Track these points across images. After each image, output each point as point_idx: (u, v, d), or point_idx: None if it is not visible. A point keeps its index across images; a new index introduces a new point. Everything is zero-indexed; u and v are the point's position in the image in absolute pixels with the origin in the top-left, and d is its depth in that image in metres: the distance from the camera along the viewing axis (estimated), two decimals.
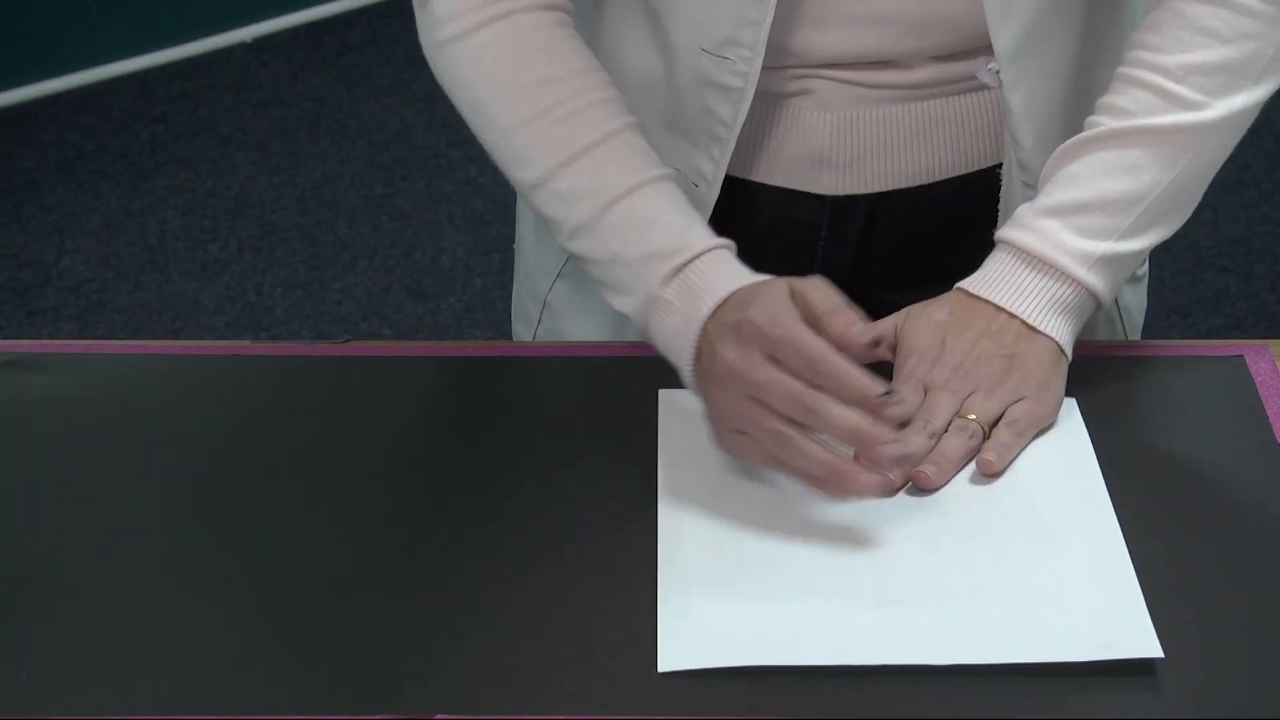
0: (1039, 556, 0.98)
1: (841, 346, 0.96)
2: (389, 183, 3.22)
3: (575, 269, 1.27)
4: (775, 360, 0.97)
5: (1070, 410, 1.11)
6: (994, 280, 1.11)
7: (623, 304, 1.08)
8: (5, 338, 2.70)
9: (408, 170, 3.26)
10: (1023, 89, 1.14)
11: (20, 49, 3.45)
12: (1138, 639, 0.92)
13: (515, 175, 1.12)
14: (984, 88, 1.18)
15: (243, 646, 0.93)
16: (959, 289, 1.12)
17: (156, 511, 1.03)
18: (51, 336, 2.79)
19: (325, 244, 3.05)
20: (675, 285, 1.04)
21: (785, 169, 1.20)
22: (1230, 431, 1.09)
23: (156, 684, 0.91)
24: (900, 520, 1.01)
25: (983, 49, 1.15)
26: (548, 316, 1.32)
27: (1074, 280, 1.09)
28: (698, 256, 1.05)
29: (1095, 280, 1.10)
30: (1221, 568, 0.98)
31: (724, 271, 1.04)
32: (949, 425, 1.06)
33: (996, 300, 1.10)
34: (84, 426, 1.11)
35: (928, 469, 1.03)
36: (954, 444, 1.05)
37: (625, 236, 1.07)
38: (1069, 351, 1.10)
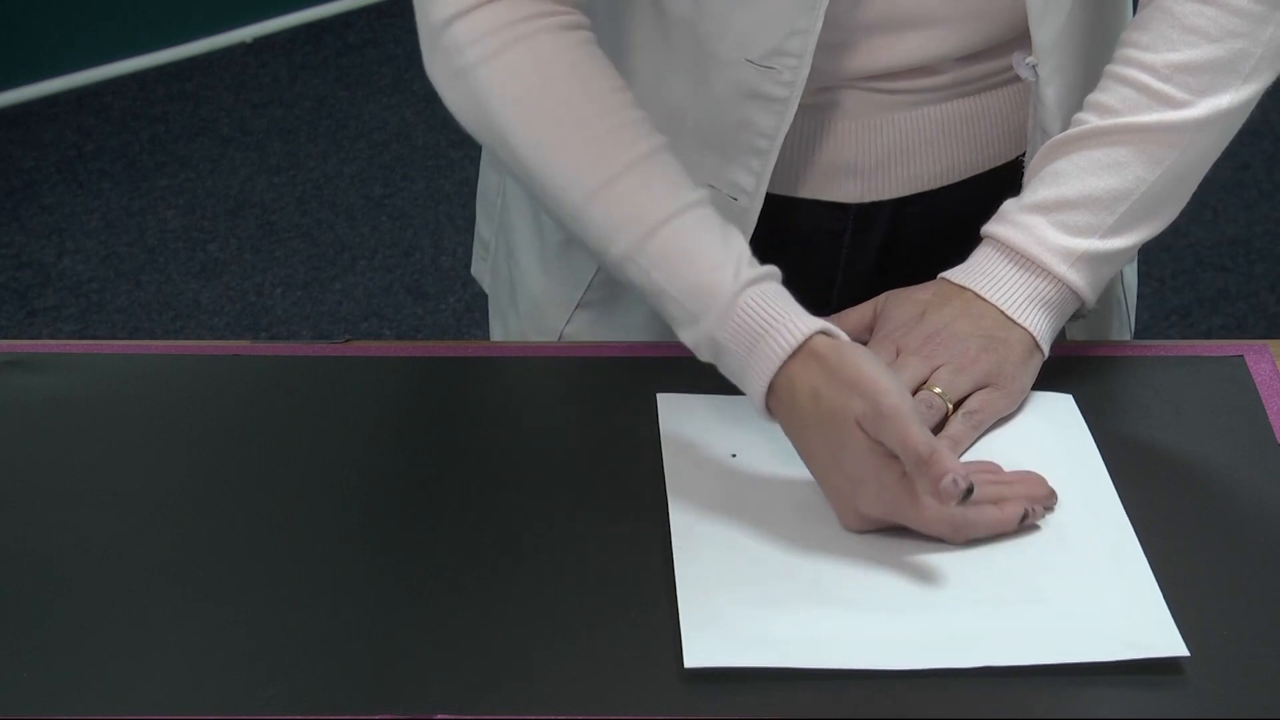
0: (1056, 557, 0.98)
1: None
2: (389, 183, 3.22)
3: (597, 296, 1.26)
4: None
5: (1070, 409, 1.11)
6: (976, 272, 1.12)
7: (683, 336, 1.05)
8: (5, 338, 2.70)
9: (408, 170, 3.26)
10: (1056, 81, 1.15)
11: (20, 49, 3.45)
12: (1162, 638, 0.92)
13: (547, 204, 1.09)
14: (1001, 85, 1.18)
15: (243, 646, 0.93)
16: (942, 278, 1.13)
17: (156, 511, 1.03)
18: (51, 336, 2.79)
19: (325, 244, 3.05)
20: (731, 327, 1.01)
21: (809, 180, 1.20)
22: (1230, 431, 1.09)
23: (156, 684, 0.91)
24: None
25: (1011, 45, 1.16)
26: None
27: (1055, 277, 1.10)
28: (744, 290, 1.02)
29: (1076, 277, 1.10)
30: (1222, 568, 0.98)
31: (775, 316, 1.01)
32: (914, 394, 1.07)
33: (977, 289, 1.11)
34: (84, 426, 1.11)
35: None
36: None
37: (668, 269, 1.03)
38: (1045, 348, 1.11)
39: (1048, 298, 1.10)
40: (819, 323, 1.00)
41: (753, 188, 1.16)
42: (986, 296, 1.10)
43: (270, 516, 1.03)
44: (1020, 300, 1.10)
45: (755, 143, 1.14)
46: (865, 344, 1.11)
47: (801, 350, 0.99)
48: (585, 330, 1.27)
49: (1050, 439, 1.08)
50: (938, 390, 1.08)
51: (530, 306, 1.31)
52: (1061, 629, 0.93)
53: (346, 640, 0.93)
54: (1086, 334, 1.25)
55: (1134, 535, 1.00)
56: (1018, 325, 1.10)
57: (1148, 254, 2.98)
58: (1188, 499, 1.04)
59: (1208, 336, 2.71)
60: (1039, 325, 1.10)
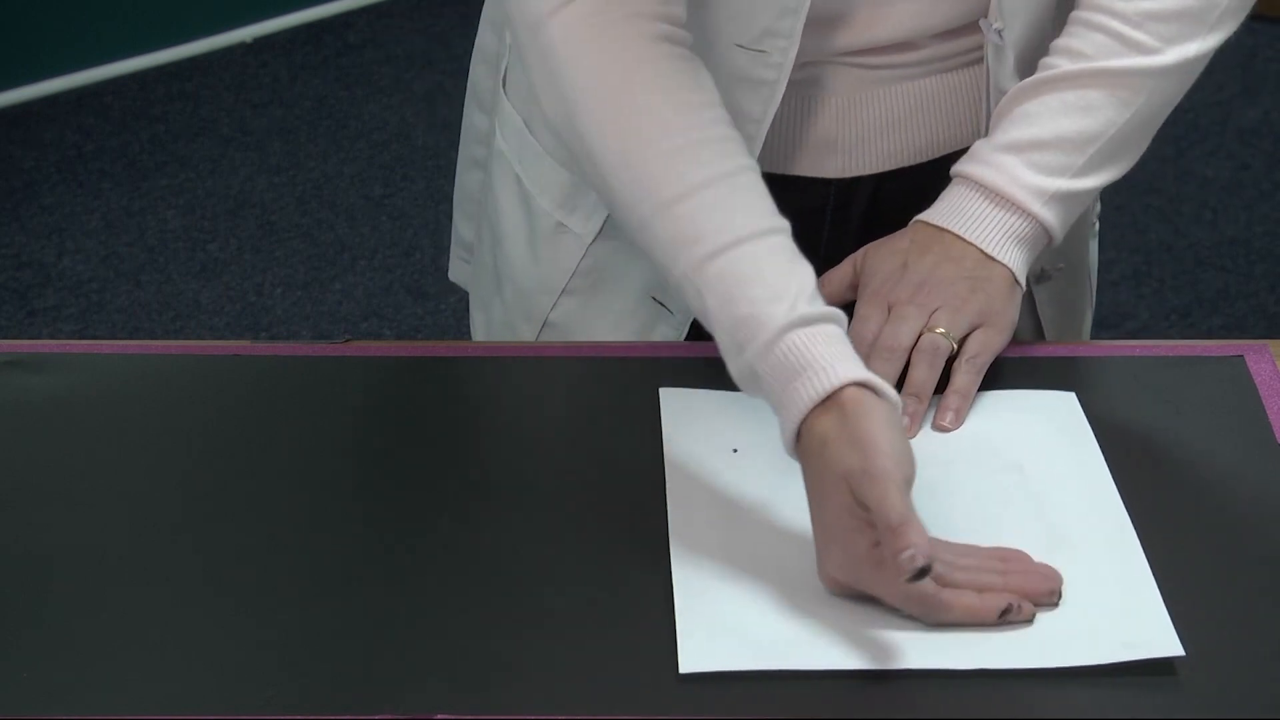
0: (1055, 558, 0.98)
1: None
2: (389, 183, 3.22)
3: (582, 283, 1.26)
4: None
5: (1073, 408, 1.11)
6: (952, 211, 1.15)
7: (729, 366, 1.01)
8: (5, 338, 2.70)
9: (408, 170, 3.26)
10: (1018, 45, 1.17)
11: (20, 49, 3.45)
12: (1159, 638, 0.92)
13: (617, 214, 1.06)
14: (977, 62, 1.20)
15: (243, 646, 0.93)
16: (918, 220, 1.16)
17: (156, 511, 1.03)
18: (51, 336, 2.79)
19: (325, 244, 3.05)
20: (771, 362, 0.98)
21: (792, 156, 1.21)
22: (1230, 431, 1.10)
23: (156, 684, 0.91)
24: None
25: (982, 13, 1.17)
26: (550, 335, 1.29)
27: (1029, 214, 1.14)
28: (794, 329, 0.98)
29: (1049, 215, 1.14)
30: (1221, 568, 0.98)
31: (815, 359, 0.97)
32: (917, 340, 1.10)
33: (955, 229, 1.14)
34: (84, 426, 1.11)
35: (906, 405, 1.07)
36: (922, 372, 1.09)
37: (722, 296, 1.00)
38: (1022, 282, 1.15)
39: (1023, 234, 1.14)
40: (857, 373, 0.97)
41: None
42: (965, 236, 1.13)
43: (270, 516, 1.03)
44: (998, 238, 1.13)
45: (744, 128, 1.14)
46: (851, 302, 1.14)
47: (830, 399, 0.96)
48: (570, 317, 1.27)
49: (1052, 438, 1.08)
50: (940, 330, 1.10)
51: (516, 294, 1.31)
52: (1059, 630, 0.93)
53: (346, 640, 0.93)
54: (1055, 304, 1.29)
55: (1135, 536, 1.00)
56: (997, 262, 1.13)
57: (1148, 254, 2.99)
58: (1188, 499, 1.04)
59: (1208, 336, 2.71)
60: (1016, 261, 1.14)
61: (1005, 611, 0.93)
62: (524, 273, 1.29)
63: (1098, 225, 1.37)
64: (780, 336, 0.97)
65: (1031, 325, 1.30)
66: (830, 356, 0.97)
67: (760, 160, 1.18)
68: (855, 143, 1.20)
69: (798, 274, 1.00)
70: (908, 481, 0.93)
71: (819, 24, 1.13)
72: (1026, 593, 0.94)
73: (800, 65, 1.15)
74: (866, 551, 0.93)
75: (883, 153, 1.22)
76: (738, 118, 1.14)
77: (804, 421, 0.96)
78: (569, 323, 1.28)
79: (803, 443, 0.97)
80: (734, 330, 0.99)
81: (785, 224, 1.03)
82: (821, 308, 0.99)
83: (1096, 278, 1.39)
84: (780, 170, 1.21)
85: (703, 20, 1.12)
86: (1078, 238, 1.32)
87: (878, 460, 0.92)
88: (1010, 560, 0.97)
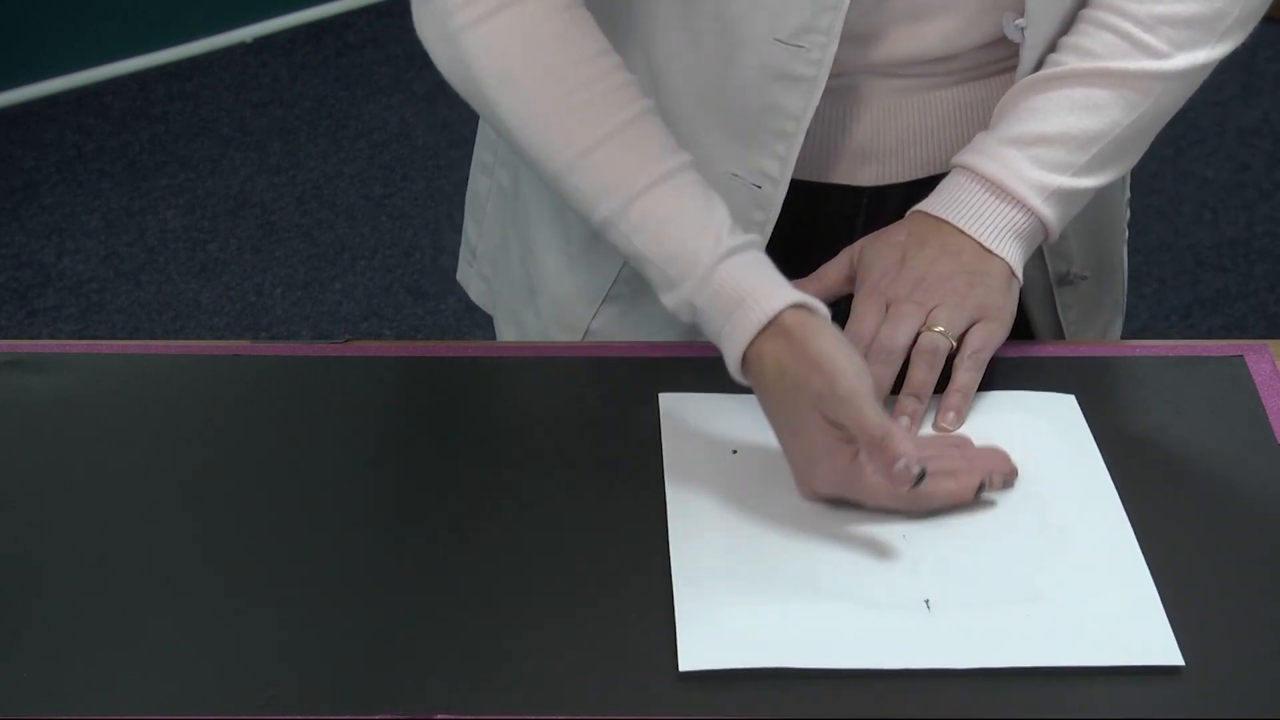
0: (1055, 559, 0.98)
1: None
2: (389, 183, 3.22)
3: (625, 290, 1.26)
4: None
5: (1072, 409, 1.11)
6: (952, 202, 1.15)
7: (664, 300, 1.07)
8: (5, 338, 2.70)
9: (408, 170, 3.26)
10: (1040, 46, 1.17)
11: (20, 49, 3.45)
12: (1158, 646, 0.92)
13: (534, 169, 1.11)
14: (1010, 70, 1.20)
15: (243, 646, 0.93)
16: (917, 210, 1.16)
17: (157, 512, 1.03)
18: (51, 336, 2.79)
19: (325, 244, 3.05)
20: (709, 294, 1.04)
21: (828, 164, 1.21)
22: (1230, 431, 1.10)
23: (156, 684, 0.91)
24: (913, 522, 1.01)
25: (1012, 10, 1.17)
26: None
27: (1029, 209, 1.14)
28: (724, 259, 1.04)
29: (1048, 211, 1.14)
30: (1221, 568, 0.98)
31: (751, 287, 1.03)
32: (915, 339, 1.10)
33: (955, 221, 1.14)
34: (84, 426, 1.11)
35: (906, 406, 1.08)
36: (922, 373, 1.10)
37: (649, 235, 1.06)
38: (1019, 276, 1.15)
39: (1021, 228, 1.14)
40: (794, 296, 1.02)
41: (777, 173, 1.16)
42: (964, 229, 1.13)
43: (270, 516, 1.03)
44: (997, 231, 1.14)
45: (782, 126, 1.15)
46: (848, 296, 1.15)
47: (772, 324, 1.01)
48: (612, 324, 1.27)
49: (1051, 440, 1.08)
50: (939, 329, 1.10)
51: (552, 304, 1.30)
52: (1059, 631, 0.93)
53: (346, 640, 0.93)
54: (1079, 307, 1.29)
55: (1134, 539, 1.00)
56: (995, 256, 1.13)
57: (1148, 254, 2.99)
58: (1188, 499, 1.04)
59: (1208, 336, 2.71)
60: (1013, 255, 1.14)
61: (980, 489, 1.01)
62: (559, 282, 1.29)
63: (1128, 232, 1.36)
64: (714, 269, 1.04)
65: (1052, 327, 1.29)
66: (765, 283, 1.03)
67: (797, 168, 1.18)
68: (891, 151, 1.20)
69: (715, 206, 1.07)
70: (871, 393, 0.99)
71: (853, 40, 1.13)
72: (992, 469, 1.03)
73: (835, 75, 1.15)
74: (849, 465, 1.00)
75: (917, 160, 1.21)
76: (777, 115, 1.14)
77: (749, 348, 1.02)
78: (611, 330, 1.28)
79: (753, 368, 1.03)
80: (666, 266, 1.05)
81: (690, 158, 1.08)
82: (743, 237, 1.06)
83: (1128, 282, 1.38)
84: (816, 178, 1.21)
85: (740, 14, 1.12)
86: (1108, 243, 1.32)
87: (842, 381, 0.98)
88: (963, 445, 1.06)
